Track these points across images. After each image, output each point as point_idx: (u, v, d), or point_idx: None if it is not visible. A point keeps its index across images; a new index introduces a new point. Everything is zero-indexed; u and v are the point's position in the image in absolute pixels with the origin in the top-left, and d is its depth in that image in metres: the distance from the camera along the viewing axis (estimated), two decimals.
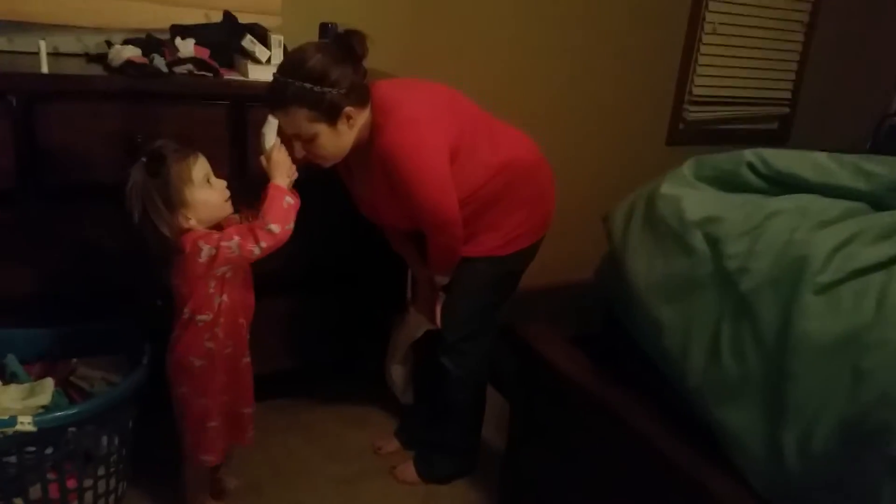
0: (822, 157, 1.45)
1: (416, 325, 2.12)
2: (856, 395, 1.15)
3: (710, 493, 1.31)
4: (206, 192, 1.61)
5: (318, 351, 2.36)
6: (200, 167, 1.61)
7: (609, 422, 1.53)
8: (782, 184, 1.45)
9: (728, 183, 1.49)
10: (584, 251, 2.92)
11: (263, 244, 1.60)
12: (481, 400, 2.17)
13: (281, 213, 1.61)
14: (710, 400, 1.34)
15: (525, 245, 1.97)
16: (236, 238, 1.59)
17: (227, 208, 1.67)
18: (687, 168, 1.54)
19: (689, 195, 1.46)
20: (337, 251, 2.27)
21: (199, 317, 1.66)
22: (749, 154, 1.48)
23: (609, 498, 1.58)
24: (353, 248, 2.28)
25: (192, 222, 1.60)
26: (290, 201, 1.63)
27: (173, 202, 1.56)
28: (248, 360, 1.81)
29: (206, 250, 1.59)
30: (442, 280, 1.97)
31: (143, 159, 1.54)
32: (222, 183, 1.65)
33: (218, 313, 1.68)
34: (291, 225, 1.62)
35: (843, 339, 1.19)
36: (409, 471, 2.13)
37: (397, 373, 2.25)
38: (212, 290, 1.65)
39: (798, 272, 1.23)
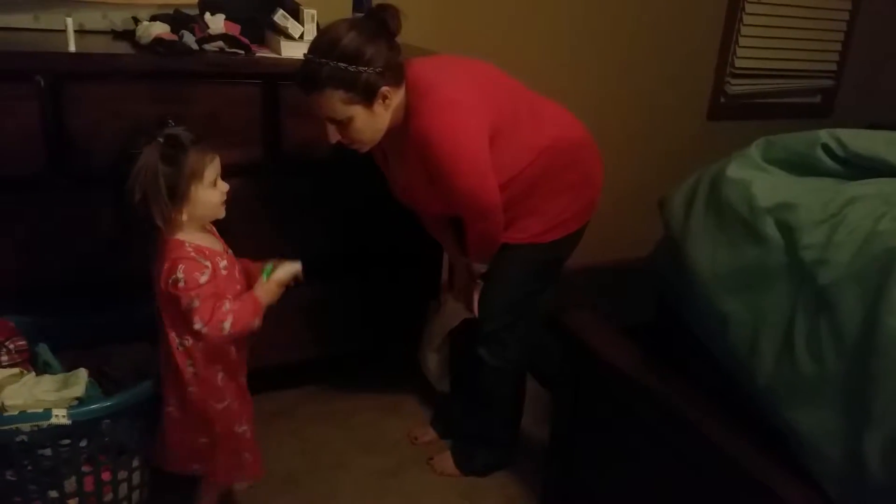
0: None
1: (452, 313, 2.05)
2: None
3: (779, 498, 1.24)
4: (209, 193, 1.52)
5: (352, 338, 2.30)
6: (214, 168, 1.52)
7: (664, 419, 1.46)
8: (860, 167, 1.35)
9: (800, 166, 1.39)
10: (625, 230, 2.86)
11: (198, 328, 1.49)
12: (521, 391, 2.10)
13: (240, 324, 1.51)
14: (781, 400, 1.26)
15: (569, 231, 1.88)
16: (197, 304, 1.47)
17: (221, 212, 1.57)
18: (755, 149, 1.44)
19: (759, 179, 1.36)
20: (371, 236, 2.20)
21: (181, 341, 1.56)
22: (824, 135, 1.37)
23: (663, 499, 1.51)
24: (387, 233, 2.21)
25: (185, 217, 1.51)
26: (254, 324, 1.54)
27: (177, 194, 1.47)
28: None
29: (177, 277, 1.47)
30: (480, 268, 1.89)
31: (160, 140, 1.44)
32: (226, 186, 1.56)
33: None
34: (228, 332, 1.50)
35: None
36: (446, 462, 2.07)
37: (433, 361, 2.19)
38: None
39: (886, 265, 1.13)
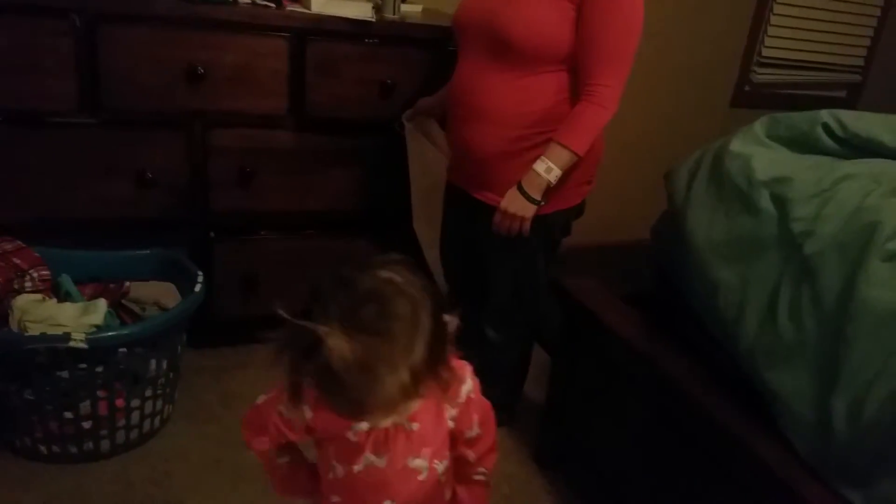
0: None
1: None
2: None
3: (757, 457, 1.29)
4: None
5: None
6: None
7: (658, 384, 1.51)
8: (857, 147, 1.39)
9: (801, 143, 1.43)
10: (638, 210, 2.87)
11: None
12: (525, 363, 2.14)
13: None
14: (761, 362, 1.31)
15: (569, 205, 1.81)
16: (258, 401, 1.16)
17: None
18: (759, 126, 1.48)
19: (760, 154, 1.41)
20: (388, 197, 2.22)
21: None
22: (825, 115, 1.41)
23: (651, 458, 1.57)
24: (404, 196, 2.23)
25: None
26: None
27: None
28: None
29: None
30: (545, 176, 1.66)
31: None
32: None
33: None
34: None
35: None
36: None
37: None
38: None
39: (867, 238, 1.18)
